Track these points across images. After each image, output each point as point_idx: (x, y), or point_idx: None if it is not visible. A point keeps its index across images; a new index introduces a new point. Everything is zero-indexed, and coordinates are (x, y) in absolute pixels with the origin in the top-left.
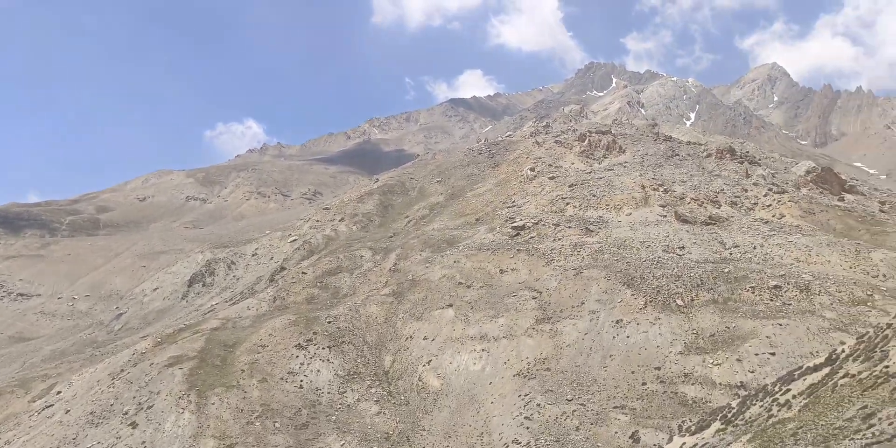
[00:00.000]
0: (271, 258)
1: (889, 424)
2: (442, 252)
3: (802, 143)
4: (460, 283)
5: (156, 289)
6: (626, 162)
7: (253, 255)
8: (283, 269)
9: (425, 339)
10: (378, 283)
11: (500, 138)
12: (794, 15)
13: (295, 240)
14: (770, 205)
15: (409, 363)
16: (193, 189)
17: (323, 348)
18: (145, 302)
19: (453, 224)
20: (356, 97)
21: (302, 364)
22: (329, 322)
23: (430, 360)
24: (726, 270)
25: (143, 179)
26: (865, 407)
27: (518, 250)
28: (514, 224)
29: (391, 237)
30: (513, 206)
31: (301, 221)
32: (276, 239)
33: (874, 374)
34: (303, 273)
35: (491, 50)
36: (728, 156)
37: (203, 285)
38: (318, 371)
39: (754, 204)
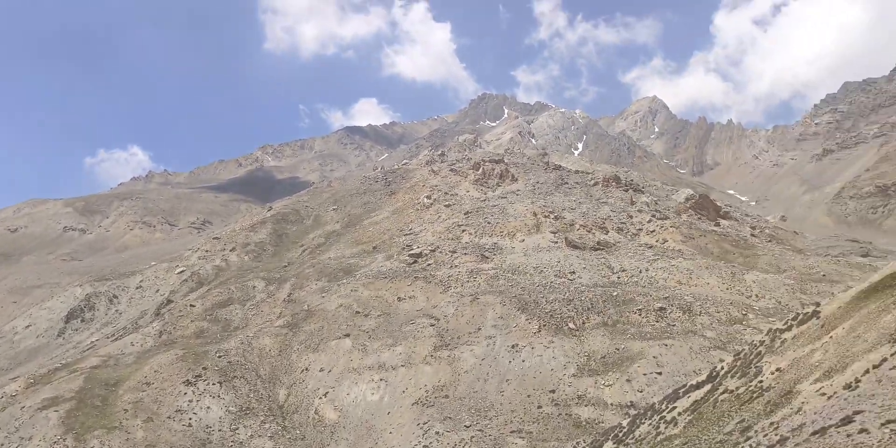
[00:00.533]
0: (157, 291)
1: (764, 436)
2: (338, 281)
3: (681, 171)
4: (357, 312)
5: (28, 326)
6: (518, 190)
7: (137, 288)
8: (169, 301)
9: (321, 370)
10: (272, 314)
11: (396, 166)
12: (670, 52)
13: (183, 271)
14: (654, 230)
15: (304, 396)
16: (72, 219)
17: (213, 384)
18: (16, 340)
19: (350, 252)
20: (248, 124)
21: (191, 401)
22: (220, 356)
23: (326, 392)
24: (615, 294)
25: (15, 209)
26: (743, 420)
27: (415, 278)
28: (412, 251)
29: (285, 267)
30: (410, 234)
31: (189, 252)
32: (163, 270)
33: (750, 389)
34: (191, 306)
35: (386, 79)
36: (614, 184)
37: (82, 321)
38: (209, 408)
39: (639, 230)
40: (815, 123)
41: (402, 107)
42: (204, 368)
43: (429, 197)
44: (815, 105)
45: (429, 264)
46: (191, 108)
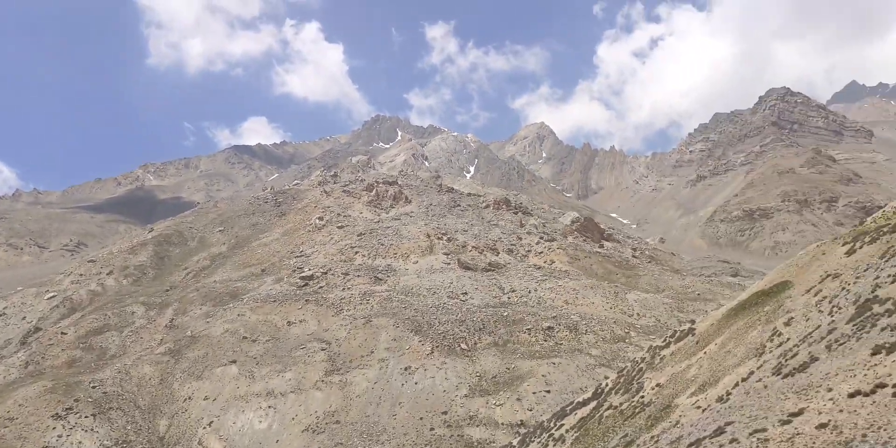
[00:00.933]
0: (23, 318)
1: None
2: (225, 305)
3: (567, 195)
4: (245, 337)
5: None
6: (412, 212)
7: (0, 316)
8: (38, 329)
9: (206, 399)
10: (152, 341)
11: (286, 187)
12: (557, 80)
13: (53, 296)
14: (542, 252)
15: (187, 426)
16: None
17: (86, 417)
18: None
19: (237, 275)
20: (128, 141)
21: (60, 436)
22: (94, 387)
23: (211, 422)
24: (505, 314)
25: None
26: (626, 435)
27: (306, 301)
28: (303, 274)
29: (167, 291)
30: (301, 256)
31: (61, 276)
32: (31, 296)
33: (632, 404)
34: (62, 333)
35: (276, 98)
36: (504, 207)
37: None
38: (80, 443)
39: (528, 251)
40: (690, 151)
41: (294, 126)
42: (76, 400)
43: (321, 218)
44: (690, 134)
45: (320, 287)
46: (65, 124)
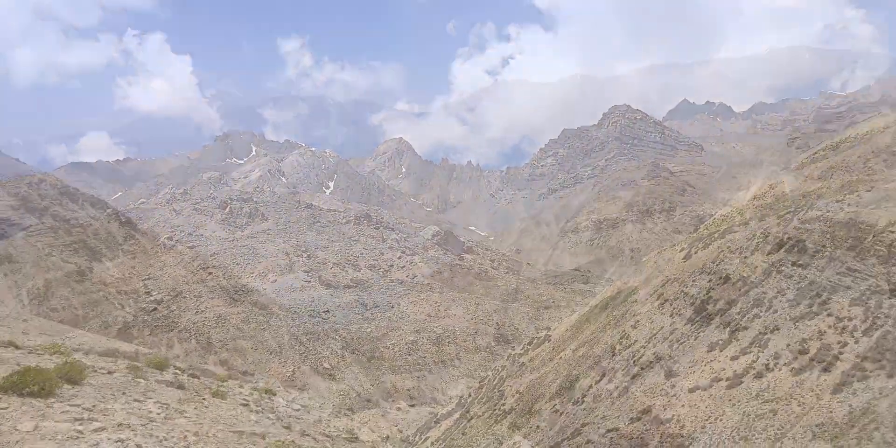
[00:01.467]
0: None
1: None
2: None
3: (428, 209)
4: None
5: None
6: (269, 229)
7: None
8: None
9: None
10: None
11: (132, 206)
12: (414, 96)
13: None
14: (404, 266)
15: None
16: None
17: None
18: None
19: (75, 302)
20: None
21: None
22: None
23: None
24: (369, 330)
25: None
26: (489, 444)
27: (155, 327)
28: (151, 298)
29: None
30: (148, 279)
31: None
32: None
33: (495, 412)
34: None
35: (118, 112)
36: (365, 222)
37: None
38: None
39: (390, 266)
40: (541, 165)
41: (139, 142)
42: None
43: (170, 238)
44: (541, 149)
45: (171, 311)
46: None
